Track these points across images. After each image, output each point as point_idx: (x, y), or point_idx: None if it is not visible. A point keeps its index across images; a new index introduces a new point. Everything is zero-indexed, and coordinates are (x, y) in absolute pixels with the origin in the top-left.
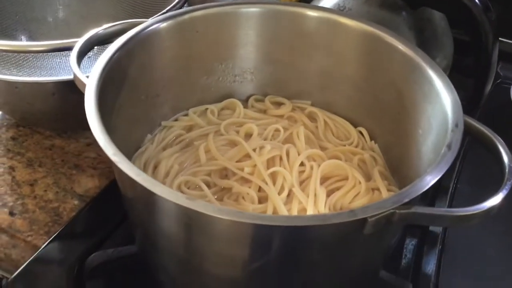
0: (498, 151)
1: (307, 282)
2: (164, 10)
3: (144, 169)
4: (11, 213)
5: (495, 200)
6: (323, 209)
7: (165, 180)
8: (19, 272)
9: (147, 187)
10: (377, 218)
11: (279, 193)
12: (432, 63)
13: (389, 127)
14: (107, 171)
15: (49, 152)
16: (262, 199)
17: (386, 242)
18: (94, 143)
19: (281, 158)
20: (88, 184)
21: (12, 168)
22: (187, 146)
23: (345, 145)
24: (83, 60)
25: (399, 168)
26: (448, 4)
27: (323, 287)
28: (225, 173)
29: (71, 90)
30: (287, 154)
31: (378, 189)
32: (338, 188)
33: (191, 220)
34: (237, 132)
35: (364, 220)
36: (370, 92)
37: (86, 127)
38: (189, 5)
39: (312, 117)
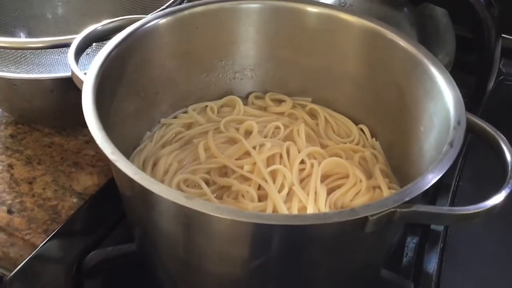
0: (500, 148)
1: (308, 281)
2: (164, 6)
3: (143, 166)
4: (10, 211)
5: (498, 198)
6: (323, 207)
7: (164, 178)
8: (17, 271)
9: (145, 186)
10: (378, 216)
11: (279, 191)
12: (434, 60)
13: (390, 124)
14: (106, 169)
15: (48, 149)
16: (262, 197)
17: (387, 240)
18: (93, 140)
19: (281, 156)
20: (87, 182)
21: (10, 165)
22: (186, 144)
23: (346, 143)
24: (82, 57)
25: (400, 166)
26: (450, 0)
27: (324, 285)
28: (224, 171)
29: (70, 87)
30: (287, 152)
31: (379, 187)
32: (338, 186)
33: (189, 219)
34: (237, 129)
35: (365, 218)
36: (371, 89)
37: (85, 125)
38: (189, 1)
39: (312, 114)
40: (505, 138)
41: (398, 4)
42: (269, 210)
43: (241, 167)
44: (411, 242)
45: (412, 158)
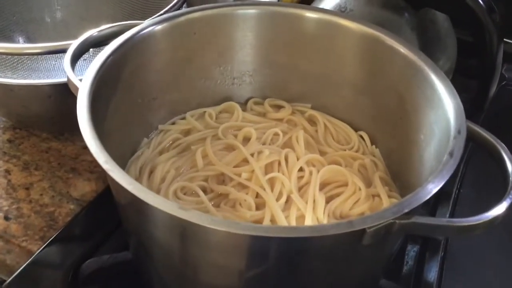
0: (501, 158)
1: None
2: (161, 12)
3: (140, 174)
4: (6, 218)
5: (499, 209)
6: (322, 216)
7: (161, 185)
8: (13, 278)
9: (139, 196)
10: (376, 228)
11: (277, 200)
12: (434, 67)
13: (390, 131)
14: (103, 175)
15: (45, 155)
16: (260, 206)
17: (386, 251)
18: None
19: (279, 163)
20: (85, 188)
21: (7, 171)
22: (184, 151)
23: (345, 150)
24: (80, 62)
25: (400, 174)
26: (452, 5)
27: None
28: (222, 178)
29: (68, 93)
30: (286, 159)
31: (378, 196)
32: (337, 194)
33: (185, 230)
34: (235, 136)
35: (363, 231)
36: (371, 96)
37: None
38: (188, 6)
39: (312, 121)
40: (506, 147)
41: (399, 9)
42: (267, 219)
43: (239, 175)
44: (412, 251)
45: (412, 166)
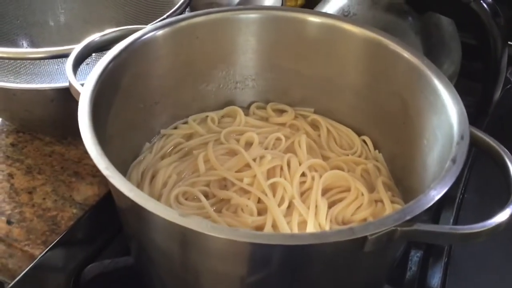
0: (505, 164)
1: None
2: (164, 16)
3: (142, 179)
4: (9, 222)
5: (502, 216)
6: (324, 221)
7: (163, 190)
8: (15, 282)
9: (140, 203)
10: (377, 236)
11: (279, 205)
12: (438, 72)
13: (393, 136)
14: (106, 179)
15: (48, 159)
16: (262, 211)
17: (389, 258)
18: None
19: (281, 168)
20: (88, 192)
21: (11, 175)
22: (186, 155)
23: (348, 155)
24: (83, 67)
25: (403, 179)
26: (456, 9)
27: None
28: (224, 183)
29: (70, 97)
30: (288, 164)
31: (381, 201)
32: (340, 200)
33: (185, 237)
34: (238, 140)
35: (364, 238)
36: (374, 100)
37: None
38: (192, 10)
39: (314, 125)
40: (510, 154)
41: (403, 13)
42: (268, 224)
43: (241, 180)
44: (415, 256)
45: (415, 172)
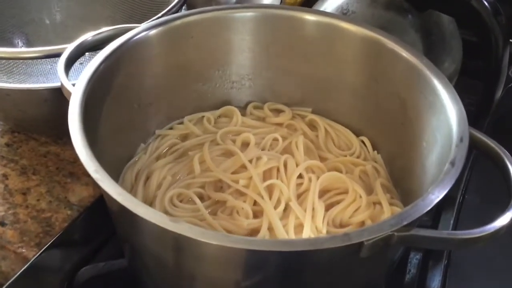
0: (505, 167)
1: None
2: (159, 15)
3: (136, 180)
4: (2, 223)
5: (503, 220)
6: (321, 224)
7: (157, 192)
8: (7, 286)
9: (129, 208)
10: (374, 241)
11: (275, 207)
12: (437, 72)
13: (392, 137)
14: None
15: (43, 159)
16: (258, 213)
17: (386, 262)
18: None
19: (278, 170)
20: (83, 193)
21: (5, 176)
22: (181, 156)
23: (346, 155)
24: (76, 66)
25: (402, 180)
26: (456, 7)
27: None
28: (220, 185)
29: (64, 97)
30: (285, 166)
31: (379, 203)
32: (337, 202)
33: (177, 242)
34: (234, 141)
35: (360, 244)
36: (373, 100)
37: None
38: (190, 8)
39: (312, 125)
40: (510, 156)
41: (403, 11)
42: (264, 227)
43: (237, 182)
44: (414, 259)
45: (414, 174)
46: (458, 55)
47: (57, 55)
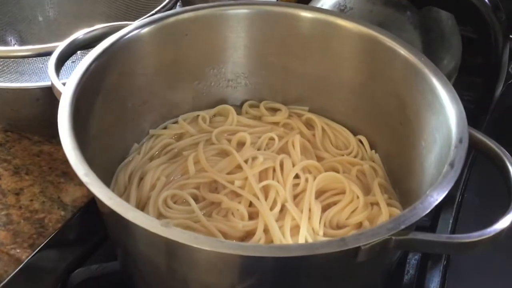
0: (505, 167)
1: None
2: (152, 12)
3: (129, 181)
4: None
5: (503, 223)
6: (317, 226)
7: (151, 193)
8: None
9: (119, 212)
10: (371, 245)
11: (271, 208)
12: (436, 70)
13: (390, 136)
14: None
15: (36, 159)
16: (253, 215)
17: (384, 266)
18: None
19: (274, 170)
20: (76, 193)
21: None
22: (175, 156)
23: (343, 155)
24: (69, 64)
25: (400, 180)
26: (455, 3)
27: None
28: (215, 185)
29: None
30: (281, 166)
31: (377, 204)
32: (334, 203)
33: (169, 247)
34: (229, 140)
35: (357, 248)
36: (370, 99)
37: None
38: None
39: (309, 124)
40: (510, 156)
41: (401, 7)
42: (260, 229)
43: (232, 182)
44: (413, 259)
45: (413, 174)
46: (457, 51)
47: (49, 53)
